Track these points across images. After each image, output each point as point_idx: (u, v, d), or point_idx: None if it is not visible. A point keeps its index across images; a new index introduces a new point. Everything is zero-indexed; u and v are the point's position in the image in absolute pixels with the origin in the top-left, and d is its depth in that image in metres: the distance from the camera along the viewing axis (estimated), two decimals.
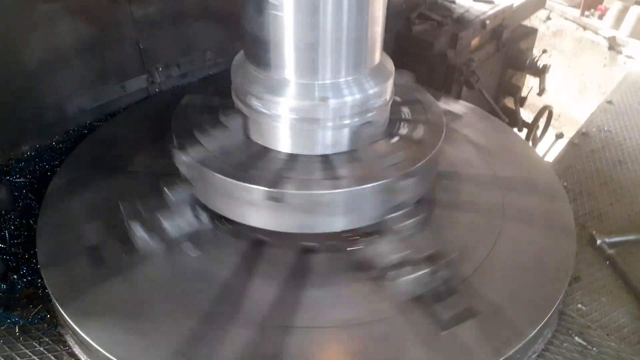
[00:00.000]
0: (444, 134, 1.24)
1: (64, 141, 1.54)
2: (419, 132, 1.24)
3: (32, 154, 1.46)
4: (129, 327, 1.02)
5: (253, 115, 1.14)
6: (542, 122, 2.83)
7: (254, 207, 1.10)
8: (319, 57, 1.05)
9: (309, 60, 1.06)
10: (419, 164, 1.14)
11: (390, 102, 1.21)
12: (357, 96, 1.10)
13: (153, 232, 1.14)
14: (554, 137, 2.75)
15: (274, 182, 1.07)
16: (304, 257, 1.18)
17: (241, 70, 1.16)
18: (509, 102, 2.88)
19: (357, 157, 1.15)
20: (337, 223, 1.13)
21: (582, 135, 1.98)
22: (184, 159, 1.13)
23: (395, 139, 1.22)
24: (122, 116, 1.67)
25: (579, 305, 1.27)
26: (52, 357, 1.08)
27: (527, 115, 2.96)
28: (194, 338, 1.00)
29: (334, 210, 1.10)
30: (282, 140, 1.15)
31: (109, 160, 1.45)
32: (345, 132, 1.14)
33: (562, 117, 4.87)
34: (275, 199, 1.05)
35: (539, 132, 2.88)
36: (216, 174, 1.09)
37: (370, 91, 1.12)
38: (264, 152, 1.17)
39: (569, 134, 2.35)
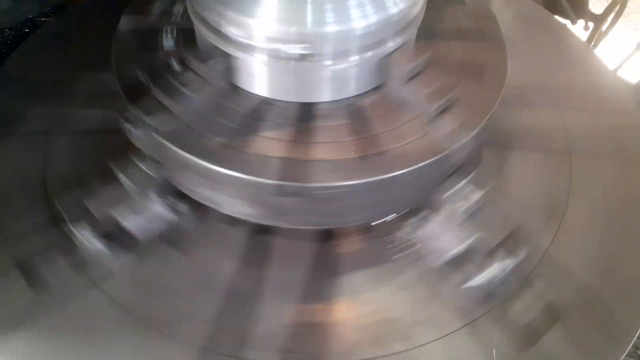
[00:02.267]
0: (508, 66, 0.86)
1: None
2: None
3: None
4: None
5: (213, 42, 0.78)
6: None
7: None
8: None
9: None
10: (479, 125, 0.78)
11: (421, 17, 0.83)
12: (372, 19, 0.73)
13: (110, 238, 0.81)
14: (631, 43, 2.20)
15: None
16: (326, 247, 0.87)
17: None
18: None
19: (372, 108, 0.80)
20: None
21: None
22: (141, 136, 0.77)
23: (434, 71, 0.85)
24: (76, 9, 1.31)
25: None
26: None
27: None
28: None
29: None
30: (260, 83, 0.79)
31: (58, 72, 1.10)
32: (352, 72, 0.78)
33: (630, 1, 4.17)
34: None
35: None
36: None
37: (393, 9, 0.74)
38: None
39: None
